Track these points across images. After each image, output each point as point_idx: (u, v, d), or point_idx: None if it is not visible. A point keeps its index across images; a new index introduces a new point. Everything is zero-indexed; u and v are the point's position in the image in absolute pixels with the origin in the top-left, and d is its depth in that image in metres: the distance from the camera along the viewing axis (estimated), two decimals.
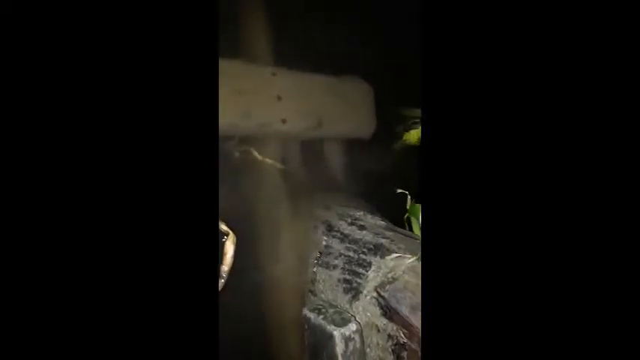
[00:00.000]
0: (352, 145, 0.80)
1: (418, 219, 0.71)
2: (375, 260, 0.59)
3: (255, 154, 0.71)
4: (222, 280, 0.60)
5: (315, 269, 0.67)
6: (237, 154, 0.71)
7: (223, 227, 0.61)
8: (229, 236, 0.61)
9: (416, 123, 0.81)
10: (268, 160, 0.71)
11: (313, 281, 0.67)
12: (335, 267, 0.64)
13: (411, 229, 0.73)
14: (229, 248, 0.60)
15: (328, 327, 0.53)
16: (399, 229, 0.70)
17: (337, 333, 0.51)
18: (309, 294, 0.67)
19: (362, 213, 0.72)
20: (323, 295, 0.64)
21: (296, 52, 0.71)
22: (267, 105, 0.69)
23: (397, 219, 0.76)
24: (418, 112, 0.82)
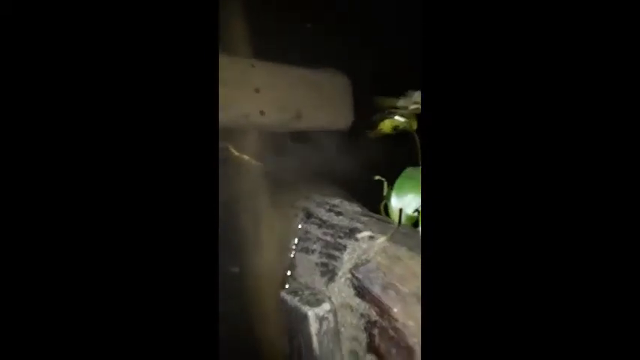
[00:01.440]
0: (330, 136, 0.82)
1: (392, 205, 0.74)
2: (349, 243, 0.61)
3: (232, 150, 0.72)
4: None
5: (293, 255, 0.70)
6: None
7: None
8: None
9: (391, 113, 0.84)
10: (245, 157, 0.72)
11: (293, 267, 0.70)
12: (313, 251, 0.66)
13: (387, 216, 0.76)
14: None
15: (303, 308, 0.55)
16: (375, 215, 0.73)
17: (311, 313, 0.54)
18: (290, 279, 0.69)
19: (339, 200, 0.75)
20: (302, 280, 0.66)
21: (274, 44, 0.72)
22: (245, 97, 0.70)
23: (374, 207, 0.79)
24: (392, 101, 0.84)
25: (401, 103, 0.84)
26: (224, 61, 0.70)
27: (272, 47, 0.73)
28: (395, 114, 0.84)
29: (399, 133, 0.84)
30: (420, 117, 0.83)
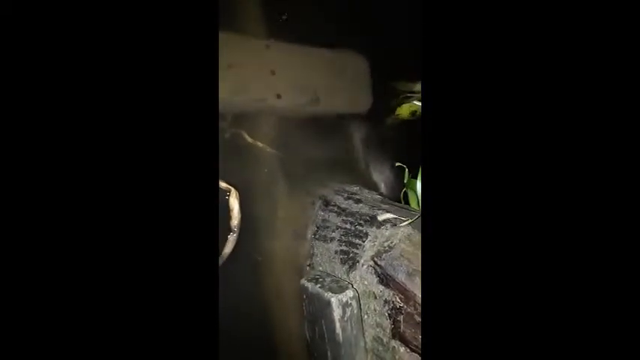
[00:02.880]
0: (348, 120, 0.80)
1: (416, 193, 0.71)
2: (371, 231, 0.59)
3: (247, 136, 0.70)
4: (235, 235, 0.62)
5: (312, 243, 0.68)
6: (227, 136, 0.70)
7: (223, 185, 0.62)
8: (231, 192, 0.62)
9: (407, 97, 0.81)
10: (259, 144, 0.70)
11: (311, 255, 0.68)
12: (332, 239, 0.64)
13: (407, 204, 0.73)
14: (234, 204, 0.62)
15: (326, 294, 0.53)
16: (395, 203, 0.70)
17: (334, 299, 0.52)
18: (308, 267, 0.68)
19: (358, 188, 0.73)
20: (321, 268, 0.64)
21: (290, 24, 0.70)
22: (260, 79, 0.68)
23: (393, 194, 0.77)
24: (411, 86, 0.81)
25: (418, 87, 0.81)
26: (237, 42, 0.68)
27: (288, 26, 0.70)
28: (413, 98, 0.81)
29: (417, 119, 0.82)
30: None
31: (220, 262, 0.62)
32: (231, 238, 0.62)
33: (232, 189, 0.62)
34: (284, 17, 0.66)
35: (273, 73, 0.68)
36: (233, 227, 0.62)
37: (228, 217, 0.62)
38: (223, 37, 0.65)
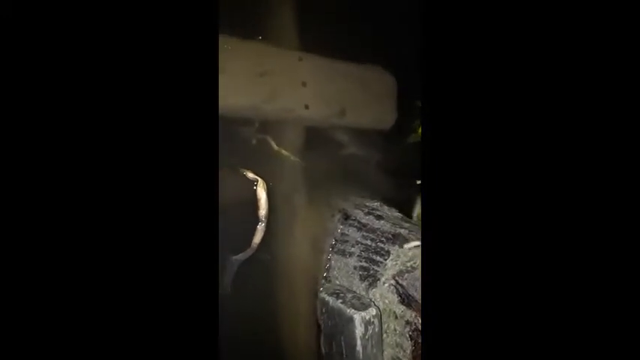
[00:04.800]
0: (370, 135, 0.80)
1: None
2: (393, 249, 0.60)
3: (272, 143, 0.71)
4: (263, 224, 0.63)
5: (329, 256, 0.68)
6: (254, 142, 0.71)
7: (251, 175, 0.64)
8: (259, 182, 0.64)
9: None
10: (284, 152, 0.71)
11: (328, 268, 0.68)
12: (351, 254, 0.65)
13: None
14: (261, 194, 0.63)
15: (348, 310, 0.54)
16: (414, 221, 0.71)
17: (357, 316, 0.52)
18: (324, 280, 0.68)
19: (378, 203, 0.73)
20: (338, 282, 0.65)
21: (323, 38, 0.71)
22: (291, 90, 0.69)
23: (407, 211, 0.77)
24: None
25: None
26: (272, 53, 0.69)
27: (321, 41, 0.71)
28: None
29: None
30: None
31: (250, 252, 0.64)
32: (260, 228, 0.63)
33: (260, 179, 0.63)
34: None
35: (304, 84, 0.69)
36: (261, 217, 0.63)
37: (257, 207, 0.63)
38: (259, 47, 0.66)
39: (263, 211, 0.64)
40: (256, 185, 0.64)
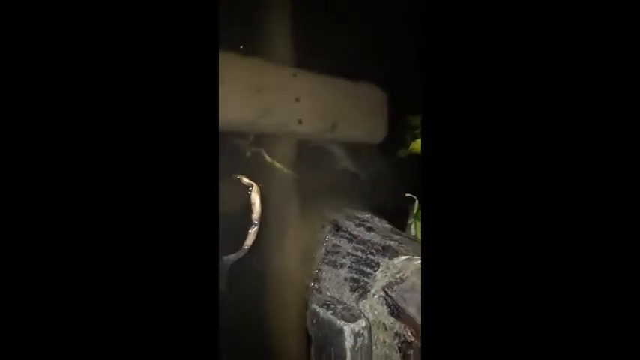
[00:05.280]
0: (361, 149, 0.82)
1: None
2: (383, 261, 0.61)
3: (266, 156, 0.73)
4: (255, 227, 0.67)
5: (320, 267, 0.69)
6: (248, 154, 0.72)
7: (246, 180, 0.67)
8: (253, 188, 0.67)
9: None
10: (277, 165, 0.73)
11: (318, 279, 0.69)
12: (342, 265, 0.66)
13: (414, 234, 0.76)
14: (255, 199, 0.67)
15: (338, 322, 0.55)
16: (404, 233, 0.73)
17: (347, 328, 0.53)
18: (314, 291, 0.69)
19: (369, 215, 0.75)
20: (329, 293, 0.66)
21: (316, 54, 0.73)
22: (285, 105, 0.71)
23: (399, 224, 0.79)
24: None
25: None
26: (267, 69, 0.71)
27: (314, 57, 0.73)
28: None
29: None
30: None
31: (242, 254, 0.66)
32: (252, 231, 0.67)
33: (254, 184, 0.67)
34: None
35: (297, 100, 0.71)
36: (254, 220, 0.67)
37: (250, 211, 0.67)
38: (255, 63, 0.68)
39: (256, 215, 0.67)
40: (251, 190, 0.67)
